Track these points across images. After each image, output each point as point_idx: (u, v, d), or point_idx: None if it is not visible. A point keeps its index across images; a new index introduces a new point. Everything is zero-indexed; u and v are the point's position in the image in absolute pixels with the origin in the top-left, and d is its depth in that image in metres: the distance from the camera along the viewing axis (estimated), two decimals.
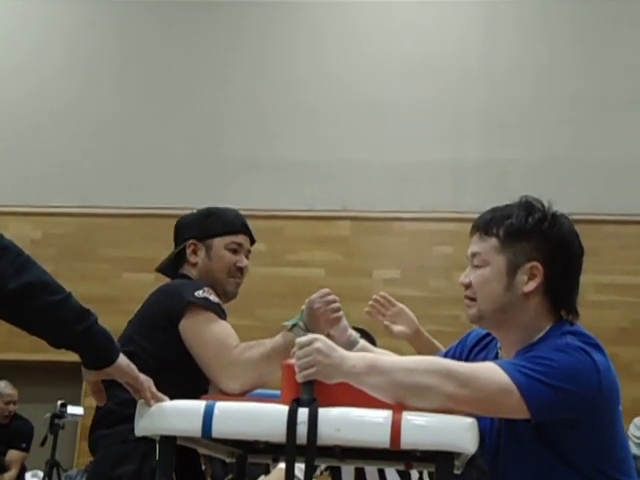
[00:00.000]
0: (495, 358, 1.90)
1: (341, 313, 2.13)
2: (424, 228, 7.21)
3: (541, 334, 1.82)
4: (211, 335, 2.17)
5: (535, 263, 1.81)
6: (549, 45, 7.53)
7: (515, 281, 1.82)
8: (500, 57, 7.55)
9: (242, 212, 2.57)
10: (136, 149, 7.59)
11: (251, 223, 2.54)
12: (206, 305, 2.20)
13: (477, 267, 1.86)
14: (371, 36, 7.70)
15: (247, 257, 2.47)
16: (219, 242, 2.41)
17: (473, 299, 1.86)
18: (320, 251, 7.17)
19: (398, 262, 7.10)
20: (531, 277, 1.81)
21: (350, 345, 2.10)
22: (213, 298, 2.23)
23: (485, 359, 1.91)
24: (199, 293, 2.21)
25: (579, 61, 7.45)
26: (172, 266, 2.48)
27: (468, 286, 1.87)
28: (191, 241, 2.42)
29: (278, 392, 1.84)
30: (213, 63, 7.78)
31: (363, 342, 2.16)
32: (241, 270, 2.43)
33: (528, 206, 1.87)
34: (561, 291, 1.85)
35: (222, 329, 2.19)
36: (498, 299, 1.82)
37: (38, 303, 1.59)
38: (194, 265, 2.40)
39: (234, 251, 2.41)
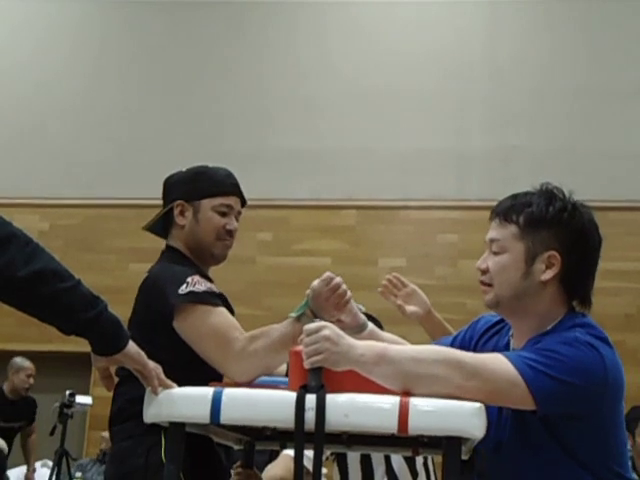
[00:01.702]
0: (506, 345, 1.91)
1: (349, 295, 2.04)
2: (429, 216, 7.21)
3: (554, 323, 1.83)
4: (209, 330, 2.05)
5: (553, 252, 1.82)
6: (552, 35, 7.50)
7: (533, 269, 1.82)
8: (503, 46, 7.53)
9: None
10: (140, 141, 7.60)
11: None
12: (194, 300, 2.07)
13: (495, 253, 1.86)
14: (374, 26, 7.68)
15: (237, 219, 2.35)
16: (207, 203, 2.28)
17: (489, 285, 1.86)
18: (326, 240, 7.18)
19: (404, 250, 7.10)
20: (549, 266, 1.82)
21: (359, 329, 2.08)
22: (199, 287, 2.09)
23: (496, 346, 1.92)
24: (183, 289, 2.07)
25: (583, 51, 7.42)
26: (161, 226, 2.37)
27: (485, 271, 1.87)
28: (178, 202, 2.29)
29: (284, 379, 1.85)
30: (216, 56, 7.77)
31: (372, 326, 2.14)
32: (230, 232, 2.30)
33: (549, 195, 1.86)
34: (578, 281, 1.85)
35: (219, 320, 2.07)
36: (515, 286, 1.83)
37: (48, 290, 1.60)
38: (182, 227, 2.29)
39: (223, 214, 2.29)
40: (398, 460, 2.94)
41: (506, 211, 1.87)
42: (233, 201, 2.33)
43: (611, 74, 7.32)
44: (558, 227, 1.83)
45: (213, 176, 2.33)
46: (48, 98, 7.78)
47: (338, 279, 2.02)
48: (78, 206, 7.48)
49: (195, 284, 2.10)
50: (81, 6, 8.03)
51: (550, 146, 7.15)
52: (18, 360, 6.32)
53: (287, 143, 7.40)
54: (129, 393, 2.05)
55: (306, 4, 7.88)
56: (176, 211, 2.31)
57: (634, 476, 1.85)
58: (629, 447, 4.68)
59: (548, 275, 1.82)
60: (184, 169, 2.38)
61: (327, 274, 2.02)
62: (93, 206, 7.47)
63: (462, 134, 7.35)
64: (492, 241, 1.87)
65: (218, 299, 2.14)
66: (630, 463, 2.00)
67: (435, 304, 2.66)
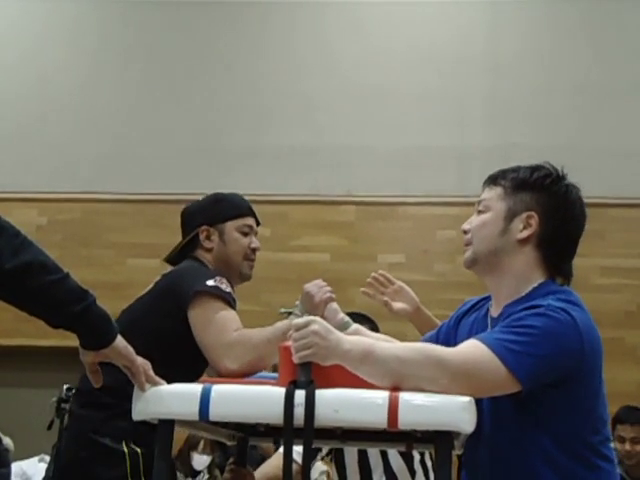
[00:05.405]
0: (485, 315, 1.95)
1: (332, 295, 2.23)
2: (428, 212, 7.19)
3: (530, 288, 1.86)
4: (216, 319, 2.21)
5: (532, 213, 1.88)
6: (555, 31, 7.47)
7: (510, 227, 1.88)
8: (505, 42, 7.50)
9: (245, 197, 2.63)
10: (139, 136, 7.57)
11: (255, 208, 2.60)
12: (217, 293, 2.24)
13: (480, 212, 1.94)
14: (374, 22, 7.65)
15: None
16: (231, 225, 2.48)
17: (470, 244, 1.93)
18: (325, 236, 7.15)
19: (403, 247, 7.08)
20: (526, 226, 1.88)
21: (342, 327, 2.13)
22: (225, 287, 2.27)
23: (475, 319, 1.97)
24: (211, 282, 2.25)
25: (584, 47, 7.39)
26: (182, 255, 2.50)
27: (468, 232, 1.94)
28: (203, 227, 2.46)
29: (274, 374, 1.84)
30: (214, 51, 7.74)
31: (356, 325, 2.19)
32: (254, 251, 2.51)
33: (537, 165, 1.95)
34: (554, 248, 1.89)
35: (231, 318, 2.24)
36: (492, 242, 1.89)
37: (36, 283, 1.59)
38: (209, 250, 2.45)
39: (246, 234, 2.48)
40: (396, 460, 2.93)
41: (495, 177, 1.96)
42: (252, 222, 2.54)
43: (613, 71, 7.29)
44: (540, 191, 1.90)
45: (231, 200, 2.56)
46: (46, 92, 7.75)
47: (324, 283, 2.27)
48: (77, 200, 7.45)
49: (222, 283, 2.29)
50: (78, 0, 8.00)
51: (551, 143, 7.12)
52: None
53: (286, 139, 7.37)
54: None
55: None
56: (202, 236, 2.47)
57: (610, 447, 1.85)
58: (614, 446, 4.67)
59: (524, 234, 1.87)
60: (200, 198, 2.59)
61: (318, 280, 2.27)
62: (92, 200, 7.44)
63: (462, 130, 7.32)
64: (479, 202, 1.96)
65: (235, 304, 2.31)
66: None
67: (434, 300, 2.67)
